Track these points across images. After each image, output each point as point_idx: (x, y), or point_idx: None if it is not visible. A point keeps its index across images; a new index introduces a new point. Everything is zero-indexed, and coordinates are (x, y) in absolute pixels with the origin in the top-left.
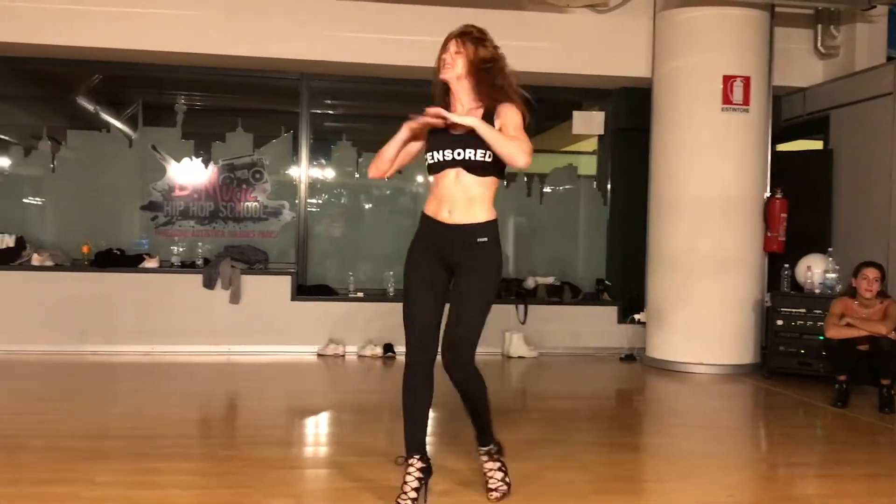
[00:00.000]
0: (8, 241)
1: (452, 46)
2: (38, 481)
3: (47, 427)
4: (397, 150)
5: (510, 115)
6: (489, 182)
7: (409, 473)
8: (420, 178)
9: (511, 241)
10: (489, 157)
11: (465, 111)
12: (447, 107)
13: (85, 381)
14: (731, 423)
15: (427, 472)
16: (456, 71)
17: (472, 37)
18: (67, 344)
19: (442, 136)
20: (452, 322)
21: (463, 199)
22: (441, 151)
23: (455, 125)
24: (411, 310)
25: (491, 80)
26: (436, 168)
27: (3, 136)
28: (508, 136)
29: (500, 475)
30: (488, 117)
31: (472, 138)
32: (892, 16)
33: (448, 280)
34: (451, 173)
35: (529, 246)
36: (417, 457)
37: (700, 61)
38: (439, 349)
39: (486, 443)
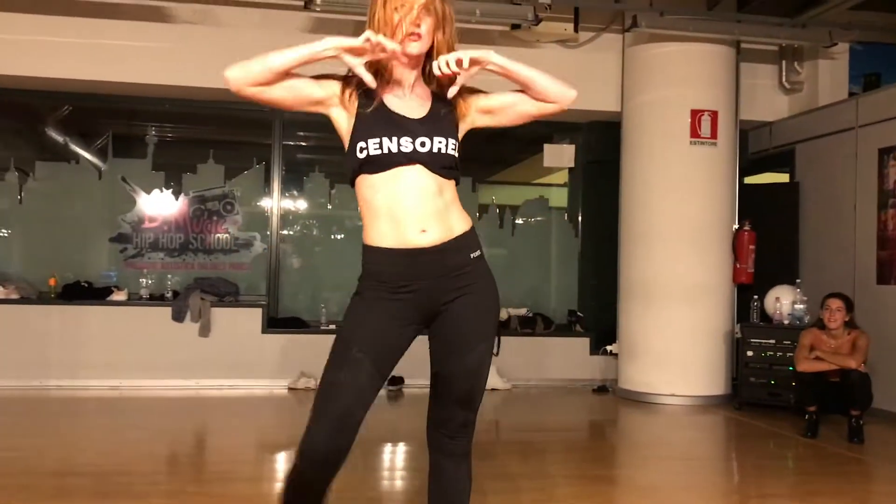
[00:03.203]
0: None
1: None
2: None
3: (11, 465)
4: (295, 64)
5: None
6: (452, 182)
7: None
8: None
9: None
10: (456, 148)
11: (412, 100)
12: (374, 93)
13: (50, 417)
14: (703, 454)
15: None
16: (425, 44)
17: None
18: (32, 378)
19: (385, 114)
20: (464, 397)
21: (434, 208)
22: (394, 139)
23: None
24: (341, 388)
25: (449, 44)
26: (381, 164)
27: None
28: (536, 72)
29: None
30: (439, 104)
31: (438, 122)
32: (853, 53)
33: (413, 338)
34: (406, 173)
35: (502, 277)
36: None
37: (668, 96)
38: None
39: None
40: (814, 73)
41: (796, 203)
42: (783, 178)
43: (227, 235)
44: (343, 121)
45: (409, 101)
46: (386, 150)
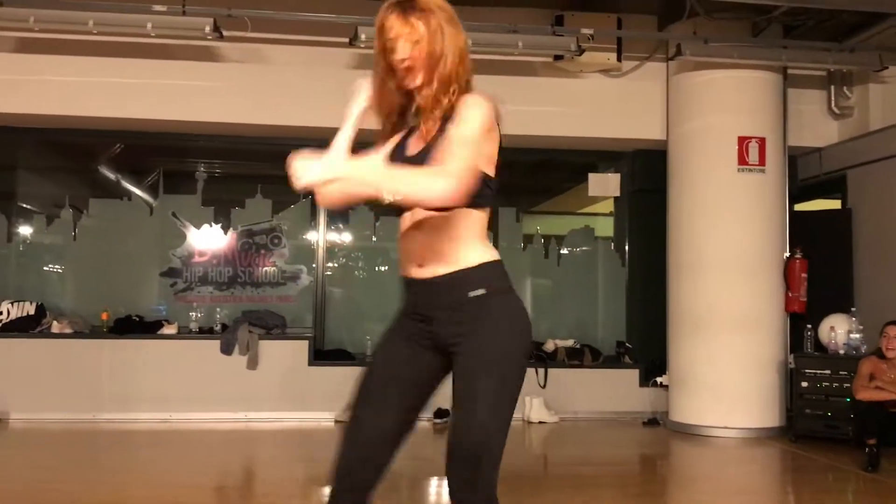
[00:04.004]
0: (28, 308)
1: (397, 30)
2: None
3: (63, 498)
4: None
5: (465, 115)
6: (462, 216)
7: None
8: None
9: (529, 303)
10: None
11: (429, 125)
12: (400, 126)
13: (103, 450)
14: (758, 488)
15: None
16: (421, 71)
17: (418, 8)
18: (85, 411)
19: (395, 151)
20: (456, 427)
21: (431, 241)
22: None
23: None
24: (353, 414)
25: (447, 67)
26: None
27: (25, 206)
28: (426, 168)
29: None
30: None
31: (429, 154)
32: None
33: (439, 370)
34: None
35: (548, 308)
36: None
37: (715, 123)
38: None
39: None
40: (864, 97)
41: (849, 230)
42: (834, 204)
43: (275, 268)
44: None
45: (418, 136)
46: None
